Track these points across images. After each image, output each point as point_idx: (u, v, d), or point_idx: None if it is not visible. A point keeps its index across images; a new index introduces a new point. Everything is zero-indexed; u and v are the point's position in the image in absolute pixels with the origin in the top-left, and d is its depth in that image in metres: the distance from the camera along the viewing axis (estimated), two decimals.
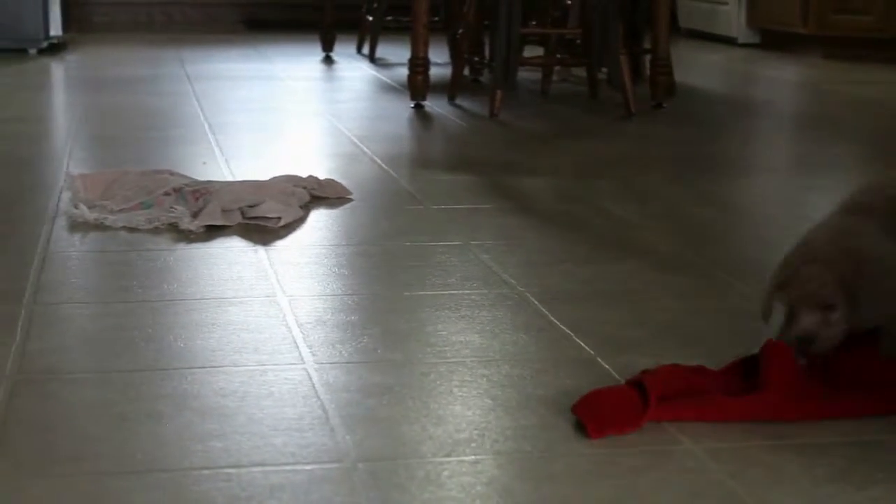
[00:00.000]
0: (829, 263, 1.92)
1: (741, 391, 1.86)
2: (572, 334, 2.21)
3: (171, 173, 3.32)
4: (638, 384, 1.84)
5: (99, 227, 2.94)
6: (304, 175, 3.34)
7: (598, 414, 1.79)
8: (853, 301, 1.91)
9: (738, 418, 1.80)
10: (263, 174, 3.41)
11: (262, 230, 2.92)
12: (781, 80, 6.28)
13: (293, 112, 4.93)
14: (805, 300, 1.92)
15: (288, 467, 1.65)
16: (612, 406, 1.81)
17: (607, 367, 2.05)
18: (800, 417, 1.81)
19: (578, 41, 5.53)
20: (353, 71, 6.26)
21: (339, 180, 3.40)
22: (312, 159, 3.89)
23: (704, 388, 1.86)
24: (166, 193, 3.07)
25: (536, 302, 2.40)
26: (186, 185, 3.13)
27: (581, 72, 5.75)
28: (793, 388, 1.83)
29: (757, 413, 1.81)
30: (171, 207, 3.00)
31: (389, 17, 6.67)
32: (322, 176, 3.40)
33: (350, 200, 3.28)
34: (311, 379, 1.97)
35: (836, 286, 1.91)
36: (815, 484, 1.62)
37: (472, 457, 1.70)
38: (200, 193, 3.05)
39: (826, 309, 1.91)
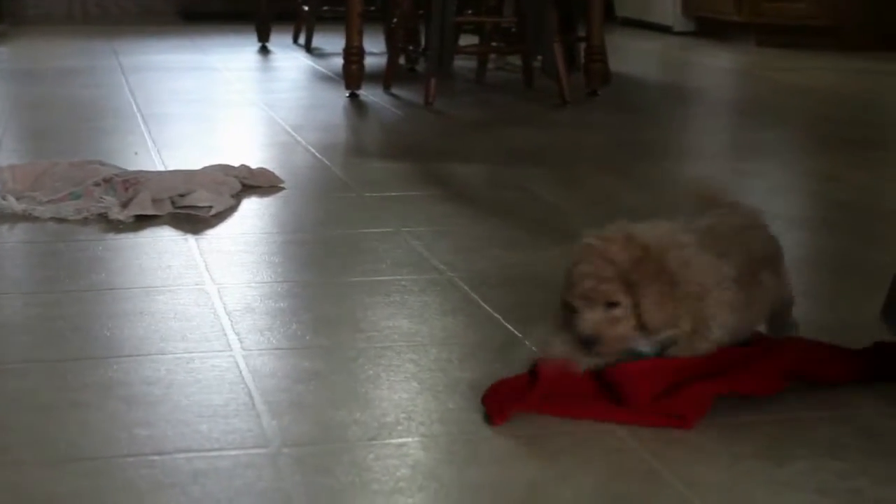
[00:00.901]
0: (608, 258, 1.78)
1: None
2: (500, 318, 2.22)
3: (102, 164, 3.30)
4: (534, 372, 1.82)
5: (27, 217, 2.92)
6: (236, 164, 3.33)
7: (497, 399, 1.79)
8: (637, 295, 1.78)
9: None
10: (196, 164, 3.39)
11: (193, 219, 2.91)
12: (716, 67, 6.32)
13: (228, 102, 4.90)
14: (585, 298, 1.79)
15: (212, 453, 1.65)
16: (510, 389, 1.81)
17: (535, 350, 2.06)
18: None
19: (513, 29, 5.54)
20: (289, 61, 6.24)
21: (272, 169, 3.39)
22: (246, 149, 3.88)
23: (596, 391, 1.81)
24: (96, 184, 3.05)
25: (466, 287, 2.41)
26: (116, 175, 3.11)
27: (516, 60, 5.76)
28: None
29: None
30: (101, 198, 2.98)
31: (325, 7, 6.65)
32: (254, 165, 3.39)
33: (282, 189, 3.27)
34: (238, 366, 1.97)
35: (618, 281, 1.77)
36: (735, 461, 1.64)
37: (398, 440, 1.70)
38: (130, 183, 3.03)
39: (609, 306, 1.78)
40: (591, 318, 1.78)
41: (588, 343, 1.78)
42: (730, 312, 1.83)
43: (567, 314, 1.82)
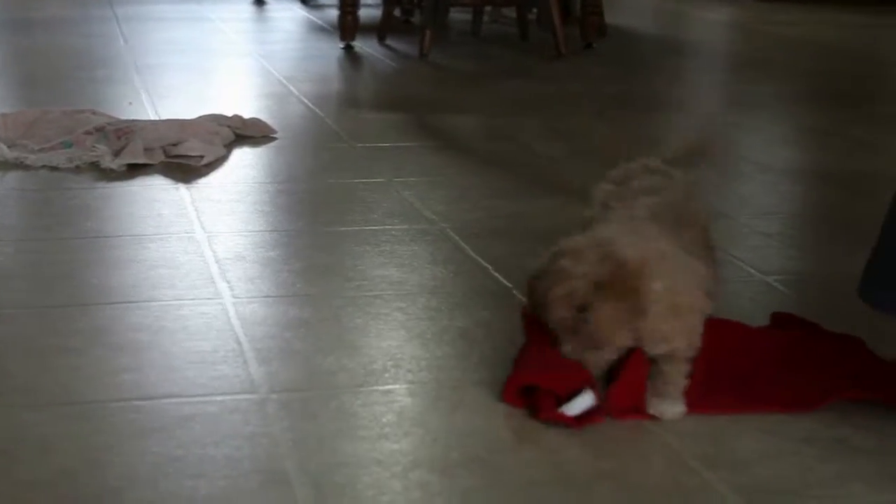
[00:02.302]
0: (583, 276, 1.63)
1: None
2: (490, 268, 2.23)
3: (94, 112, 3.29)
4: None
5: (19, 166, 2.91)
6: (229, 114, 3.32)
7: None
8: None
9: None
10: (189, 114, 3.38)
11: (185, 169, 2.90)
12: (713, 20, 6.30)
13: (222, 53, 4.89)
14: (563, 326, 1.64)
15: (199, 399, 1.66)
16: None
17: (524, 299, 2.06)
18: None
19: None
20: (284, 12, 6.22)
21: (265, 120, 3.38)
22: (239, 99, 3.87)
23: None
24: (88, 133, 3.05)
25: (456, 237, 2.41)
26: (109, 124, 3.11)
27: (511, 12, 5.73)
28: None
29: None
30: (93, 146, 2.97)
31: None
32: (248, 115, 3.38)
33: (275, 139, 3.26)
34: (227, 313, 1.97)
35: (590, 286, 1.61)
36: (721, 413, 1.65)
37: (385, 387, 1.71)
38: (123, 132, 3.02)
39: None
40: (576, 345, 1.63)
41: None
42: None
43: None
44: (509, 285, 2.13)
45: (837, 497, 1.43)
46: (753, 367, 1.77)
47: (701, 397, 1.66)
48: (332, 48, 4.96)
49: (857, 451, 1.55)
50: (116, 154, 2.92)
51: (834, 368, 1.76)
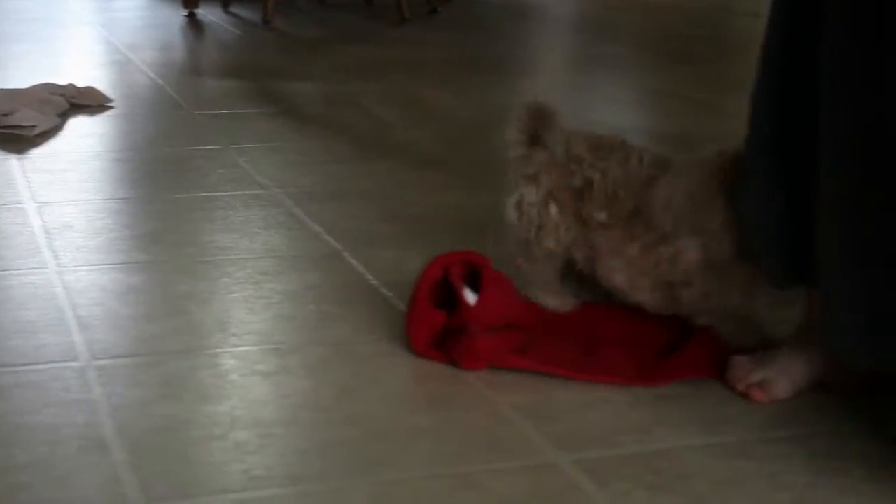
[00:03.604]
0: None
1: None
2: (322, 231, 2.24)
3: None
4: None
5: None
6: (63, 83, 3.28)
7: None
8: None
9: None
10: (22, 84, 3.33)
11: (17, 139, 2.86)
12: None
13: (62, 22, 4.80)
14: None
15: (21, 368, 1.65)
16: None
17: (353, 261, 2.09)
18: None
19: None
20: None
21: (103, 89, 3.34)
22: (78, 69, 3.81)
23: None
24: None
25: (290, 201, 2.42)
26: None
27: None
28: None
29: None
30: None
31: None
32: (83, 84, 3.33)
33: (111, 108, 3.23)
34: (52, 282, 1.96)
35: None
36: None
37: (211, 351, 1.72)
38: None
39: None
40: None
41: None
42: None
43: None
44: (339, 247, 2.15)
45: (644, 441, 1.48)
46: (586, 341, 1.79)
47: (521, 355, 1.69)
48: (176, 16, 4.91)
49: (666, 398, 1.60)
50: None
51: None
